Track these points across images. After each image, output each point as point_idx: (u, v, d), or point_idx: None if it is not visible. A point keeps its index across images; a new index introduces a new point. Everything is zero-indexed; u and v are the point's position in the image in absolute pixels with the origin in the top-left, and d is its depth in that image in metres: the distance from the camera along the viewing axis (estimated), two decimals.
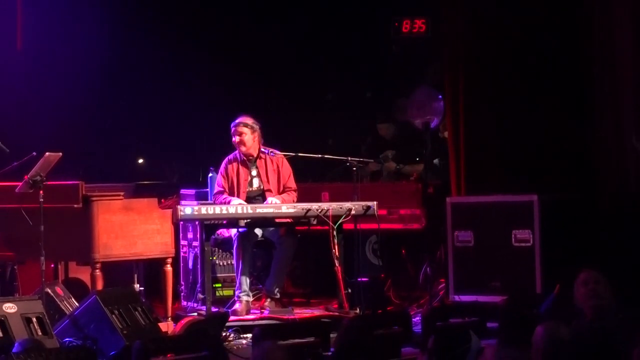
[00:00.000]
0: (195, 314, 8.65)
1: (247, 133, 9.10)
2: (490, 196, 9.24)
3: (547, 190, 9.06)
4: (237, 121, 9.13)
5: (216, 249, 9.40)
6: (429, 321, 7.03)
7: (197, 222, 8.94)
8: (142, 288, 8.98)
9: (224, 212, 8.60)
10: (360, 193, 9.15)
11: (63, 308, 8.24)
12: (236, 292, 8.86)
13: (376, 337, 6.69)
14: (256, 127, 9.15)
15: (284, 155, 9.27)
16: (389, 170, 11.01)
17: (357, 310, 8.74)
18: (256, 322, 8.41)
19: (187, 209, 8.54)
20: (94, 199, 8.22)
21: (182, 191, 9.92)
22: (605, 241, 8.79)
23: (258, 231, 9.10)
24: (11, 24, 11.15)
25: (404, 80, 11.47)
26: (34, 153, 8.28)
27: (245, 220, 8.68)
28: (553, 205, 8.95)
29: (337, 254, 8.67)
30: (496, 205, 9.13)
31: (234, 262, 9.08)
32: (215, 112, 11.21)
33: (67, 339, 7.41)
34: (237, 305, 8.74)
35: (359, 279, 9.00)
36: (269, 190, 9.14)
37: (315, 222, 8.76)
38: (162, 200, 9.16)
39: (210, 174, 9.72)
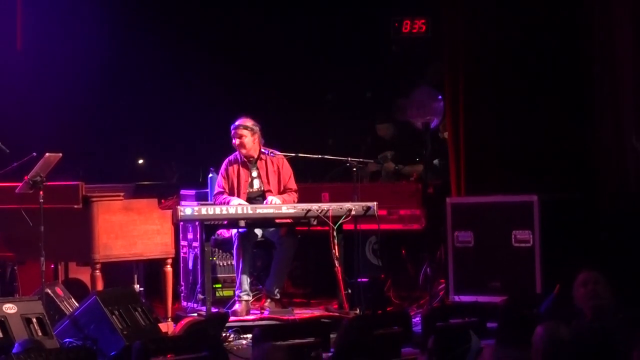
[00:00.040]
0: (195, 314, 8.65)
1: (247, 135, 9.10)
2: (490, 196, 9.24)
3: (547, 190, 9.06)
4: (236, 124, 9.12)
5: (216, 249, 9.40)
6: (429, 321, 7.03)
7: (197, 223, 8.93)
8: (142, 288, 8.98)
9: (224, 212, 8.60)
10: (360, 193, 9.15)
11: (63, 308, 8.24)
12: (236, 292, 8.86)
13: (376, 338, 6.68)
14: (256, 128, 9.14)
15: (284, 155, 9.27)
16: (388, 170, 11.00)
17: (357, 311, 8.74)
18: (256, 323, 8.41)
19: (187, 209, 8.54)
20: (94, 199, 8.22)
21: (182, 191, 9.93)
22: (605, 241, 8.79)
23: (258, 231, 9.11)
24: (11, 24, 11.15)
25: (403, 80, 11.47)
26: (34, 153, 8.28)
27: (245, 221, 8.68)
28: (553, 205, 8.95)
29: (337, 254, 8.66)
30: (496, 205, 9.13)
31: (234, 262, 9.08)
32: (215, 112, 11.21)
33: (67, 340, 7.41)
34: (237, 306, 8.74)
35: (359, 280, 8.99)
36: (270, 191, 9.14)
37: (315, 223, 8.76)
38: (162, 200, 9.17)
39: (210, 175, 9.73)
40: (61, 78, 11.08)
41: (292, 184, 9.23)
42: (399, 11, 11.42)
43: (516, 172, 9.42)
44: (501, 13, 9.64)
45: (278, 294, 9.04)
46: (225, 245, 9.35)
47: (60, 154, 8.13)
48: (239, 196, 9.05)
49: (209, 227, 8.74)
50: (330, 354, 6.30)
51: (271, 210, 8.77)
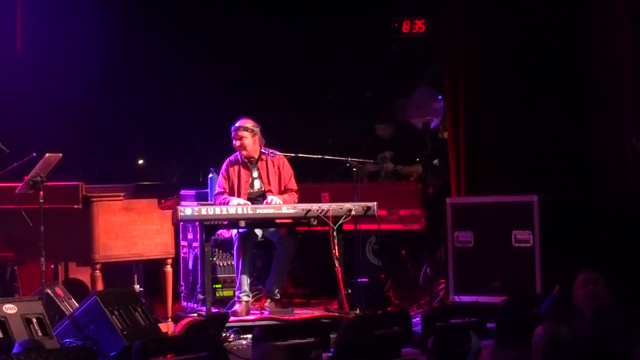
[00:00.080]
0: (196, 314, 8.65)
1: (247, 137, 9.10)
2: (490, 196, 9.24)
3: (547, 190, 9.06)
4: (237, 125, 9.12)
5: (216, 249, 9.40)
6: (429, 321, 7.03)
7: (197, 223, 8.93)
8: (142, 289, 8.98)
9: (224, 212, 8.60)
10: (360, 193, 9.15)
11: (63, 309, 8.24)
12: (236, 293, 8.86)
13: (376, 338, 6.69)
14: (256, 129, 9.14)
15: (284, 155, 9.27)
16: (387, 171, 11.00)
17: (357, 311, 8.74)
18: (256, 323, 8.40)
19: (187, 209, 8.54)
20: (94, 199, 8.22)
21: (182, 192, 9.93)
22: (605, 241, 8.79)
23: (258, 231, 9.11)
24: (11, 24, 11.15)
25: (403, 80, 11.47)
26: (34, 154, 8.28)
27: (245, 221, 8.68)
28: (553, 205, 8.95)
29: (337, 254, 8.67)
30: (496, 205, 9.13)
31: (234, 262, 9.09)
32: (215, 112, 11.22)
33: (67, 340, 7.40)
34: (237, 306, 8.74)
35: (359, 280, 9.00)
36: (270, 191, 9.14)
37: (315, 223, 8.76)
38: (162, 200, 9.16)
39: (210, 175, 9.73)
40: (61, 78, 11.08)
41: (293, 185, 9.23)
42: (399, 11, 11.43)
43: (516, 172, 9.42)
44: (501, 13, 9.64)
45: (278, 294, 9.04)
46: (225, 245, 9.35)
47: (60, 154, 8.12)
48: (239, 197, 9.05)
49: (209, 227, 8.74)
50: (330, 354, 6.30)
51: (271, 211, 8.77)
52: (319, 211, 8.71)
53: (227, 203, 8.86)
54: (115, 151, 11.74)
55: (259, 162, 9.21)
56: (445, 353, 4.86)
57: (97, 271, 8.15)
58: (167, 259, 8.59)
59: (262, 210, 8.74)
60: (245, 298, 8.80)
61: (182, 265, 9.58)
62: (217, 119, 10.72)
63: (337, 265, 8.66)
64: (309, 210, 8.71)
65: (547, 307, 6.59)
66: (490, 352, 5.18)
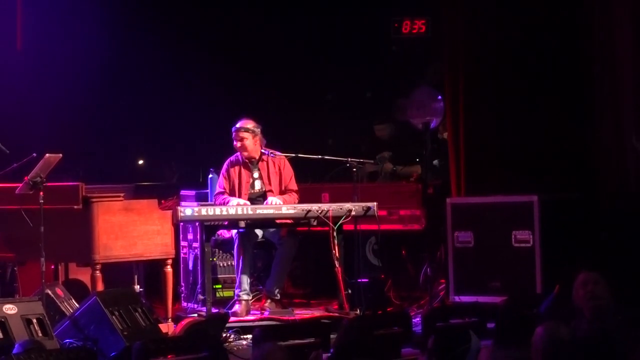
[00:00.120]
0: (196, 315, 8.65)
1: (248, 138, 9.09)
2: (490, 197, 9.24)
3: (547, 190, 9.06)
4: (237, 126, 9.12)
5: (216, 250, 9.40)
6: (429, 321, 7.04)
7: (197, 223, 8.93)
8: (142, 289, 8.98)
9: (224, 213, 8.60)
10: (360, 194, 9.15)
11: (63, 309, 8.24)
12: (236, 291, 8.87)
13: (376, 338, 6.70)
14: (257, 130, 9.14)
15: (285, 156, 9.27)
16: (386, 171, 11.00)
17: (357, 311, 8.74)
18: (256, 323, 8.40)
19: (187, 210, 8.54)
20: (94, 200, 8.22)
21: (182, 192, 9.93)
22: (605, 241, 8.79)
23: (258, 232, 9.11)
24: (11, 24, 11.15)
25: (403, 80, 11.46)
26: (34, 154, 8.28)
27: (245, 221, 8.68)
28: (553, 206, 8.95)
29: (337, 254, 8.66)
30: (496, 205, 9.14)
31: (234, 261, 9.08)
32: (215, 112, 11.22)
33: (67, 340, 7.40)
34: (236, 307, 8.74)
35: (359, 280, 8.99)
36: (271, 192, 9.15)
37: (315, 223, 8.76)
38: (162, 201, 9.16)
39: (210, 175, 9.73)
40: (61, 78, 11.08)
41: (293, 185, 9.23)
42: (399, 11, 11.42)
43: (516, 172, 9.42)
44: (501, 13, 9.64)
45: (278, 295, 9.04)
46: (225, 245, 9.35)
47: (61, 155, 8.12)
48: (240, 197, 9.05)
49: (209, 227, 8.74)
50: (330, 354, 6.30)
51: (271, 211, 8.77)
52: (319, 211, 8.71)
53: (226, 203, 8.86)
54: (115, 151, 11.74)
55: (260, 163, 9.21)
56: (445, 353, 4.86)
57: (97, 271, 8.15)
58: (167, 259, 8.58)
59: (262, 210, 8.74)
60: (245, 297, 8.79)
61: (182, 265, 9.58)
62: (217, 119, 10.72)
63: (337, 265, 8.66)
64: (309, 211, 8.71)
65: (547, 307, 6.59)
66: (489, 352, 5.18)
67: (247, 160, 9.17)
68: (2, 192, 8.47)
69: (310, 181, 10.40)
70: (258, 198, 9.14)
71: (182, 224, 9.15)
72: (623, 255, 8.59)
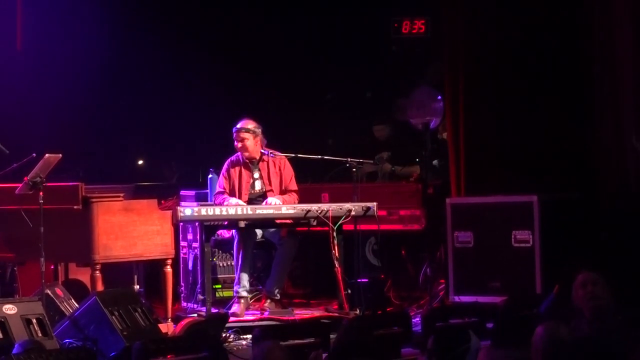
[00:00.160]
0: (195, 315, 8.65)
1: (249, 138, 9.09)
2: (490, 197, 9.24)
3: (547, 190, 9.06)
4: (238, 127, 9.12)
5: (216, 250, 9.40)
6: (429, 322, 7.04)
7: (197, 223, 8.93)
8: (142, 289, 8.99)
9: (224, 213, 8.60)
10: (360, 194, 9.15)
11: (63, 309, 8.24)
12: (235, 287, 8.87)
13: (376, 338, 6.70)
14: (258, 131, 9.14)
15: (285, 156, 9.27)
16: (384, 172, 10.99)
17: (357, 311, 8.74)
18: (256, 323, 8.40)
19: (187, 210, 8.54)
20: (94, 200, 8.22)
21: (182, 192, 9.93)
22: (605, 241, 8.79)
23: (258, 231, 9.11)
24: (11, 24, 11.15)
25: (403, 80, 11.45)
26: (34, 154, 8.28)
27: (245, 221, 8.67)
28: (553, 206, 8.95)
29: (337, 254, 8.67)
30: (496, 205, 9.14)
31: (234, 258, 9.08)
32: (215, 112, 11.22)
33: (67, 340, 7.40)
34: (235, 307, 8.73)
35: (359, 280, 8.99)
36: (271, 191, 9.15)
37: (315, 223, 8.76)
38: (162, 201, 9.16)
39: (210, 175, 9.73)
40: (61, 78, 11.07)
41: (293, 185, 9.23)
42: (399, 11, 11.41)
43: (516, 172, 9.42)
44: (501, 13, 9.64)
45: (278, 295, 9.03)
46: (225, 245, 9.35)
47: (60, 155, 8.12)
48: (240, 197, 9.05)
49: (208, 227, 8.74)
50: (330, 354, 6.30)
51: (271, 211, 8.77)
52: (319, 211, 8.71)
53: (224, 203, 8.86)
54: (115, 151, 11.74)
55: (260, 163, 9.21)
56: (445, 353, 4.86)
57: (97, 272, 8.16)
58: (167, 259, 8.58)
59: (262, 210, 8.75)
60: (243, 293, 8.79)
61: (182, 265, 9.58)
62: (217, 119, 10.72)
63: (337, 265, 8.65)
64: (308, 211, 8.71)
65: (547, 307, 6.59)
66: (487, 352, 5.17)
67: (247, 161, 9.17)
68: (2, 192, 8.47)
69: (310, 181, 10.40)
70: (258, 198, 9.14)
71: (181, 224, 9.15)
72: (623, 255, 8.59)
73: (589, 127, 9.36)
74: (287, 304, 9.30)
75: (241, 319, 8.61)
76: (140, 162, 12.36)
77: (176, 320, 8.51)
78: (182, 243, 9.59)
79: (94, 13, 11.26)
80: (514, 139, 9.56)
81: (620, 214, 8.96)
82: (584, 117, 9.39)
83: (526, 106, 9.55)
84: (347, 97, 11.96)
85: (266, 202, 8.97)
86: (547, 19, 9.53)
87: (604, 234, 8.87)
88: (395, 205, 10.01)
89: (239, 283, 8.83)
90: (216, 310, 8.63)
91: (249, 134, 9.10)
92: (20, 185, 8.08)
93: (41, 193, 7.94)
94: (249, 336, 8.00)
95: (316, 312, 8.94)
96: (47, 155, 8.08)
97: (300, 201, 9.11)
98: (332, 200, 9.47)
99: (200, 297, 8.84)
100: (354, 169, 9.24)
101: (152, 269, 9.16)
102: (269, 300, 8.97)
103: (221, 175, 9.22)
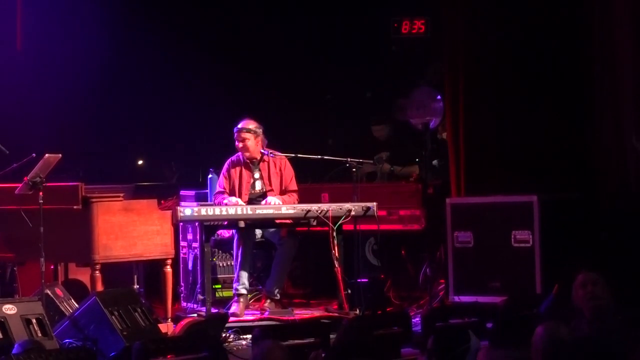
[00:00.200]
0: (195, 315, 8.65)
1: (250, 138, 9.09)
2: (490, 197, 9.24)
3: (547, 190, 9.06)
4: (239, 127, 9.12)
5: (216, 250, 9.40)
6: (429, 321, 7.04)
7: (196, 223, 8.93)
8: (141, 289, 8.98)
9: (224, 213, 8.60)
10: (359, 194, 9.15)
11: (63, 309, 8.24)
12: (234, 285, 8.87)
13: (376, 338, 6.70)
14: (259, 131, 9.14)
15: (285, 156, 9.26)
16: (383, 172, 10.99)
17: (357, 311, 8.74)
18: (256, 323, 8.41)
19: (187, 210, 8.54)
20: (94, 200, 8.22)
21: (182, 192, 9.93)
22: (605, 241, 8.79)
23: (258, 231, 9.11)
24: (11, 24, 11.14)
25: (403, 80, 11.45)
26: (34, 154, 8.28)
27: (245, 221, 8.67)
28: (553, 206, 8.95)
29: (337, 254, 8.67)
30: (496, 205, 9.13)
31: (233, 258, 9.08)
32: (215, 112, 11.21)
33: (67, 340, 7.40)
34: (234, 307, 8.73)
35: (359, 280, 8.99)
36: (271, 191, 9.15)
37: (315, 223, 8.76)
38: (162, 201, 9.16)
39: (210, 175, 9.73)
40: (61, 78, 11.07)
41: (293, 185, 9.23)
42: (399, 11, 11.40)
43: (516, 172, 9.42)
44: (501, 13, 9.64)
45: (278, 295, 9.04)
46: (225, 245, 9.35)
47: (60, 155, 8.12)
48: (240, 197, 9.05)
49: (208, 227, 8.74)
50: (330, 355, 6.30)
51: (271, 211, 8.77)
52: (319, 211, 8.71)
53: (223, 203, 8.86)
54: (115, 151, 11.73)
55: (261, 163, 9.21)
56: (445, 353, 4.86)
57: (97, 272, 8.16)
58: (166, 259, 8.59)
59: (262, 210, 8.75)
60: (242, 291, 8.80)
61: (181, 265, 9.58)
62: (217, 119, 10.72)
63: (336, 265, 8.66)
64: (308, 211, 8.71)
65: (547, 307, 6.59)
66: (485, 352, 5.17)
67: (248, 161, 9.17)
68: (2, 192, 8.48)
69: (310, 181, 10.39)
70: (258, 198, 9.14)
71: (181, 224, 9.15)
72: (623, 255, 8.59)
73: (589, 127, 9.36)
74: (287, 304, 9.30)
75: (241, 319, 8.61)
76: (140, 162, 12.36)
77: (176, 320, 8.52)
78: (182, 243, 9.59)
79: (93, 13, 11.25)
80: (514, 139, 9.56)
81: (620, 214, 8.96)
82: (584, 117, 9.39)
83: (526, 106, 9.55)
84: (347, 97, 11.95)
85: (266, 202, 8.97)
86: (547, 19, 9.53)
87: (604, 234, 8.87)
88: (395, 205, 10.01)
89: (238, 281, 8.84)
90: (216, 310, 8.63)
91: (250, 134, 9.10)
92: (20, 185, 8.08)
93: (41, 193, 7.95)
94: (249, 336, 8.00)
95: (316, 312, 8.94)
96: (47, 155, 8.08)
97: (300, 201, 9.11)
98: (332, 200, 9.47)
99: (200, 297, 8.85)
100: (354, 169, 9.24)
101: (152, 269, 9.16)
102: (268, 300, 8.97)
103: (221, 175, 9.22)
